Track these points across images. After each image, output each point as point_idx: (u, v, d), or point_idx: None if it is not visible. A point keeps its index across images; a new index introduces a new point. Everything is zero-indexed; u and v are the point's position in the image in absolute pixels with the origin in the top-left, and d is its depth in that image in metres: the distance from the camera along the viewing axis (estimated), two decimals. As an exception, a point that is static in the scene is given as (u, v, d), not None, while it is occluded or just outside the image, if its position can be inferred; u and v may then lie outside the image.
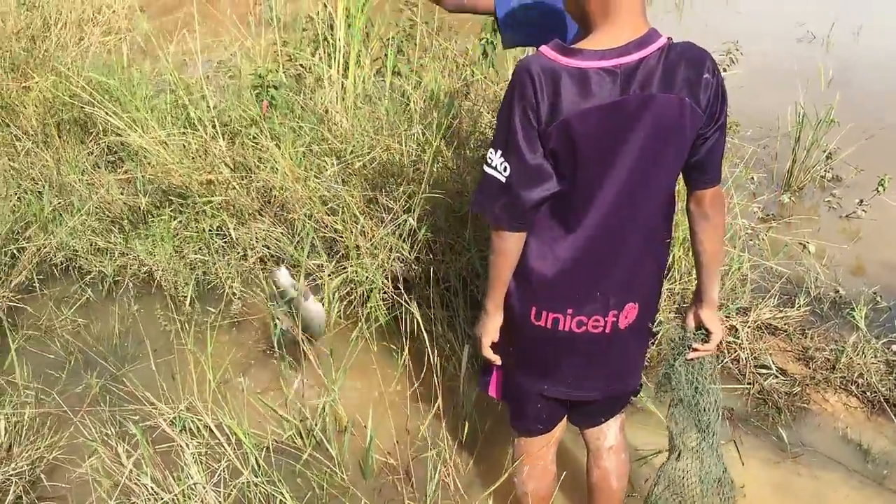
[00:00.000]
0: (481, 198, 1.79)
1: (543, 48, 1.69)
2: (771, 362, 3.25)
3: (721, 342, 2.09)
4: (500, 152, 1.73)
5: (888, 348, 3.35)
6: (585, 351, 1.94)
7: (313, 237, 3.34)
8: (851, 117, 4.80)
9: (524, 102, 1.67)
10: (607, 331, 1.90)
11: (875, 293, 3.74)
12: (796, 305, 3.54)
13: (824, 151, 4.78)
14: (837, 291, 3.79)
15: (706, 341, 2.03)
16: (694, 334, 2.05)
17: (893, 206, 4.42)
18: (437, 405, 2.59)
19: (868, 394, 3.18)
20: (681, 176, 1.85)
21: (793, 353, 3.36)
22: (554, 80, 1.64)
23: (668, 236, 1.92)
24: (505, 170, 1.72)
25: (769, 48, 6.99)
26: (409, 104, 3.84)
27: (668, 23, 7.70)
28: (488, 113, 3.84)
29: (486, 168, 1.77)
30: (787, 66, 6.21)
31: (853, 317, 3.48)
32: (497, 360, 2.03)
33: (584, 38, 1.70)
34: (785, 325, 3.46)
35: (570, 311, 1.88)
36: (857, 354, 3.28)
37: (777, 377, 3.21)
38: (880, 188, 4.55)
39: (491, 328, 1.97)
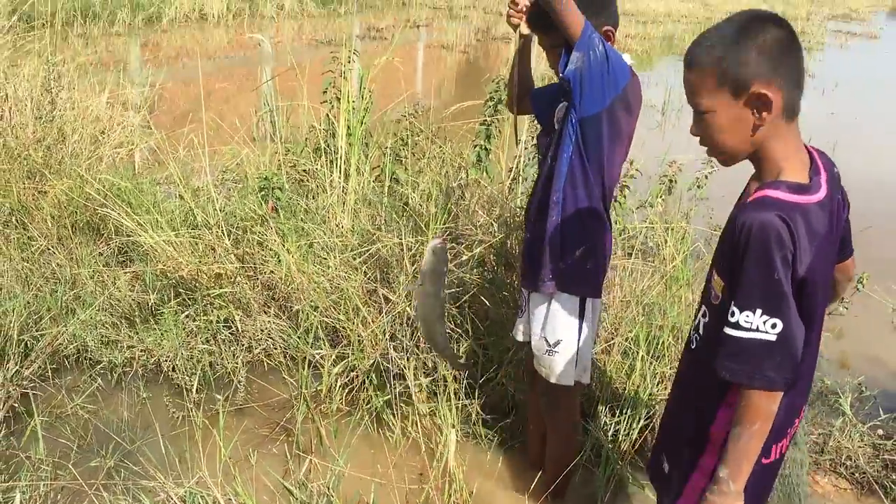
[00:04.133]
0: (743, 367, 1.68)
1: (773, 192, 1.68)
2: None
3: None
4: (759, 311, 1.64)
5: (874, 432, 3.46)
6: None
7: (317, 327, 3.48)
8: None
9: (784, 252, 1.63)
10: (797, 428, 1.96)
11: (860, 383, 3.86)
12: (784, 393, 3.65)
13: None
14: (823, 381, 3.91)
15: None
16: None
17: (874, 302, 4.59)
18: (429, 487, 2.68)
19: (857, 475, 3.27)
20: None
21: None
22: (800, 221, 1.64)
23: None
24: (774, 327, 1.64)
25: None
26: (407, 203, 4.05)
27: (651, 138, 8.05)
28: (483, 213, 4.04)
29: (739, 333, 1.67)
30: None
31: (840, 404, 3.59)
32: None
33: (771, 175, 1.74)
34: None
35: (789, 430, 1.89)
36: (845, 437, 3.38)
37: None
38: (860, 286, 4.74)
39: None
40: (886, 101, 13.06)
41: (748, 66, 1.67)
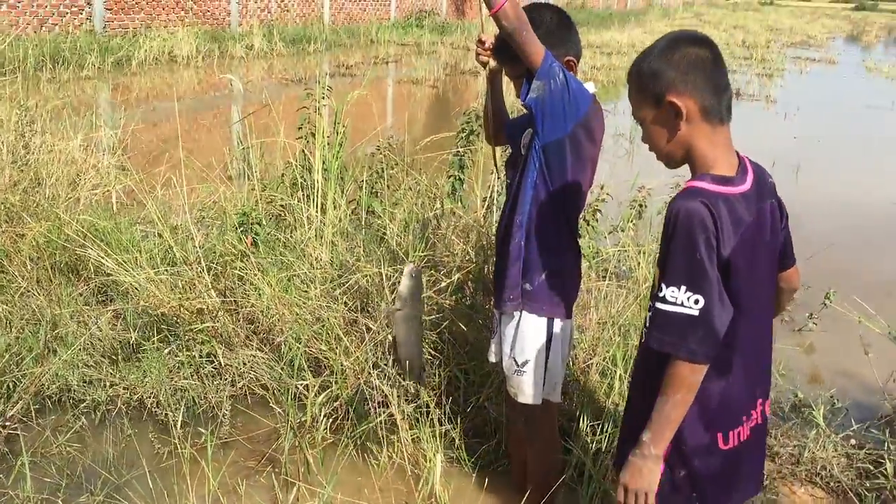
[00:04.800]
0: (668, 338, 1.82)
1: (699, 183, 1.87)
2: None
3: None
4: (684, 287, 1.79)
5: (847, 442, 3.55)
6: (753, 447, 2.06)
7: (300, 358, 3.53)
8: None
9: (706, 234, 1.78)
10: (759, 421, 2.06)
11: (832, 396, 3.97)
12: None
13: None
14: (796, 395, 4.02)
15: None
16: None
17: (842, 316, 4.71)
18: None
19: (832, 484, 3.35)
20: None
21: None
22: (723, 208, 1.81)
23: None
24: (696, 303, 1.78)
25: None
26: (384, 235, 4.13)
27: (621, 165, 8.22)
28: (460, 241, 4.12)
29: (665, 307, 1.82)
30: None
31: (813, 416, 3.68)
32: None
33: (703, 172, 1.91)
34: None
35: (744, 418, 2.00)
36: (819, 448, 3.47)
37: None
38: (827, 301, 4.88)
39: (657, 476, 1.92)
40: (846, 123, 13.39)
41: (661, 80, 1.93)
